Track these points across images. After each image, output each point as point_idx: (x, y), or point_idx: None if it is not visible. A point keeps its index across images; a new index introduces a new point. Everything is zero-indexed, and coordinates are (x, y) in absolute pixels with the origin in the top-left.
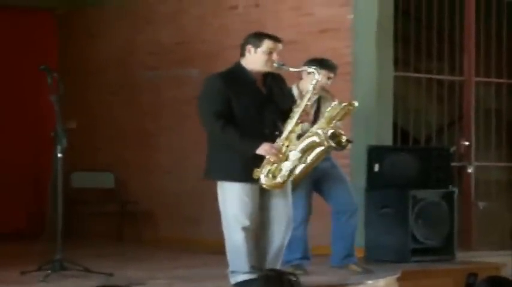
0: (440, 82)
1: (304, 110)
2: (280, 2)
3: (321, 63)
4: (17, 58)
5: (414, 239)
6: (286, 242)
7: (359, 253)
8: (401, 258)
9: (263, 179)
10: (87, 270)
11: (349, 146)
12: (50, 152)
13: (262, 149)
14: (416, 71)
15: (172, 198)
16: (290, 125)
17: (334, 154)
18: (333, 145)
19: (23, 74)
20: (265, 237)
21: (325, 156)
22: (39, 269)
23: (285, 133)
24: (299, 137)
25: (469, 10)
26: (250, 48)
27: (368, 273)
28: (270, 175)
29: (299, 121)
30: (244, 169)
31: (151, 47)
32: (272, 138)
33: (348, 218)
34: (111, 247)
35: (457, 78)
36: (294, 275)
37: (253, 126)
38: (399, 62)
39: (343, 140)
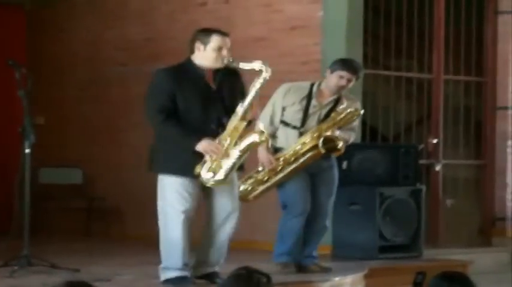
0: (409, 80)
1: (249, 107)
2: None
3: (342, 63)
4: None
5: (382, 236)
6: (228, 237)
7: (326, 250)
8: (369, 255)
9: (205, 177)
10: (53, 266)
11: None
12: (17, 148)
13: (201, 146)
14: (386, 68)
15: (140, 194)
16: (233, 122)
17: None
18: (323, 150)
19: None
20: (209, 232)
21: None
22: (6, 265)
23: (228, 130)
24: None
25: (439, 7)
26: (199, 45)
27: (327, 272)
28: (211, 172)
29: (244, 118)
30: (185, 163)
31: (121, 42)
32: (215, 135)
33: (318, 221)
34: (78, 243)
35: (426, 76)
36: (266, 275)
37: (196, 122)
38: (368, 59)
39: (338, 147)
